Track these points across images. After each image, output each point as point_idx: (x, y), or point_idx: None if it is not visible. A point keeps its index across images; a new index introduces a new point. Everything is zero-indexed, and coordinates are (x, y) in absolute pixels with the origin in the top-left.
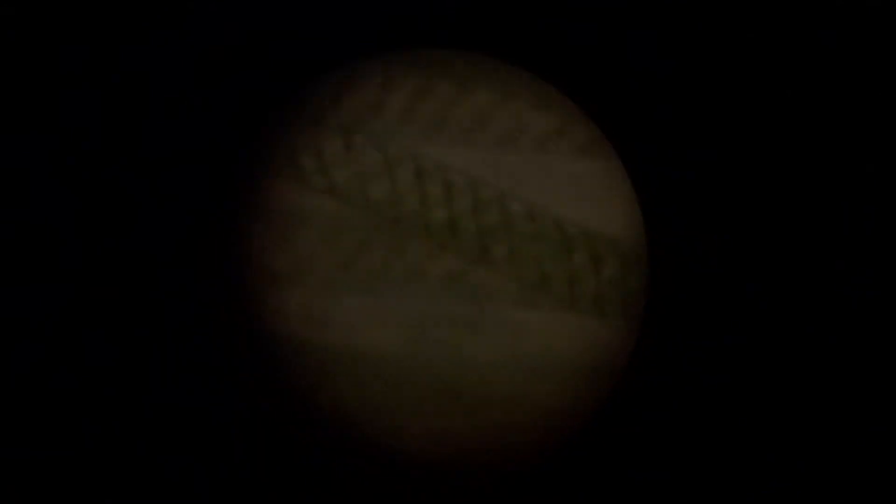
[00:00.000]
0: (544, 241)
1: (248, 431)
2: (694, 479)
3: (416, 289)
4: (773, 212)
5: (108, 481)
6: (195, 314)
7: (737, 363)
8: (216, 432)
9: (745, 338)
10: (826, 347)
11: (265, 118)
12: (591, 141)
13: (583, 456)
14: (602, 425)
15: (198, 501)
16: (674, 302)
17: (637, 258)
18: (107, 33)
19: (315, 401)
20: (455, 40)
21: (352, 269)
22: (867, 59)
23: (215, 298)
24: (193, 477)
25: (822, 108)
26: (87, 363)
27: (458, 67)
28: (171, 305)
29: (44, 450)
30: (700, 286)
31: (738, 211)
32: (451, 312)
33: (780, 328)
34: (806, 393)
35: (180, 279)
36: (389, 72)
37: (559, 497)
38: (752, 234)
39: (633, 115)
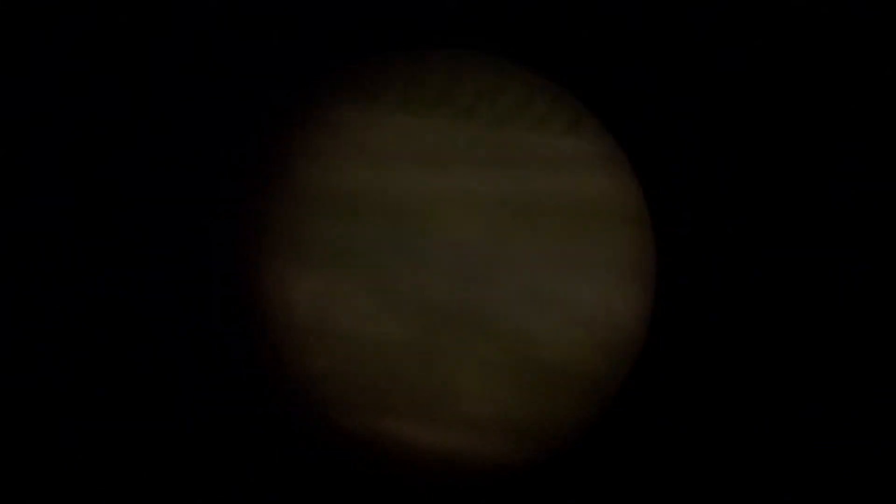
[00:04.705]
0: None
1: (253, 428)
2: (700, 481)
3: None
4: (780, 200)
5: (113, 481)
6: (199, 311)
7: (742, 360)
8: (224, 431)
9: (753, 330)
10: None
11: (262, 118)
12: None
13: (582, 461)
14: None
15: (204, 497)
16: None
17: None
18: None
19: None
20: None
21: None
22: (866, 59)
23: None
24: (203, 477)
25: (828, 99)
26: (88, 360)
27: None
28: (173, 303)
29: (44, 448)
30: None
31: (745, 198)
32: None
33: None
34: (812, 392)
35: (181, 272)
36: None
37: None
38: (759, 221)
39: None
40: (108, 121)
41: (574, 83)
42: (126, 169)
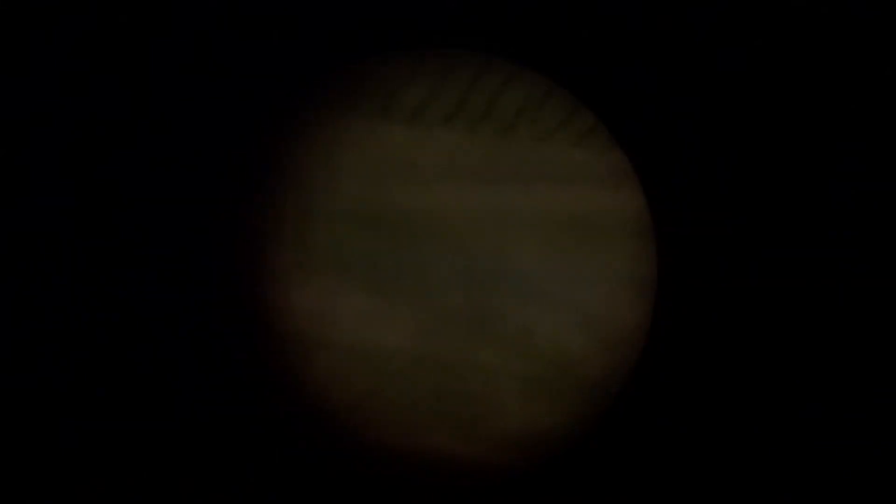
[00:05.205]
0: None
1: (253, 430)
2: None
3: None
4: (780, 200)
5: (113, 481)
6: (201, 312)
7: (743, 361)
8: (224, 431)
9: (753, 331)
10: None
11: (261, 119)
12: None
13: (581, 461)
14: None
15: (206, 500)
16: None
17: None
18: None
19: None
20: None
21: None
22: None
23: (222, 296)
24: (201, 476)
25: (828, 99)
26: (90, 362)
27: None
28: (175, 303)
29: (45, 449)
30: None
31: (745, 199)
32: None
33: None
34: (813, 392)
35: (184, 277)
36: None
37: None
38: (758, 223)
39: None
40: (108, 121)
41: (574, 83)
42: (126, 169)
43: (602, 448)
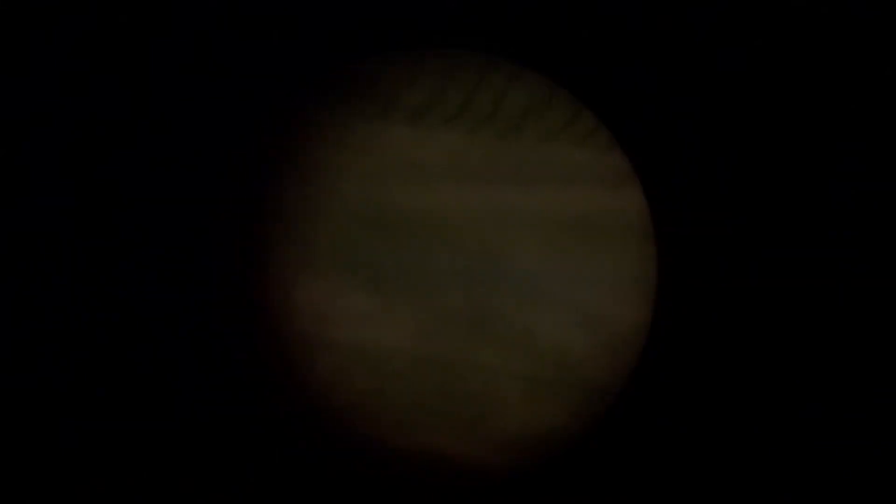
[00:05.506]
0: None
1: (253, 430)
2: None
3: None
4: (780, 200)
5: (115, 482)
6: (201, 312)
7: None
8: (225, 431)
9: (753, 332)
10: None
11: (261, 119)
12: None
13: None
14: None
15: (209, 500)
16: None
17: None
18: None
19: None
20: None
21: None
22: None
23: (225, 295)
24: (201, 476)
25: (827, 99)
26: (92, 362)
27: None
28: (175, 303)
29: (45, 449)
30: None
31: (745, 198)
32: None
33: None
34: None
35: (186, 277)
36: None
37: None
38: (758, 222)
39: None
40: (108, 121)
41: (575, 84)
42: (126, 169)
43: (602, 448)
